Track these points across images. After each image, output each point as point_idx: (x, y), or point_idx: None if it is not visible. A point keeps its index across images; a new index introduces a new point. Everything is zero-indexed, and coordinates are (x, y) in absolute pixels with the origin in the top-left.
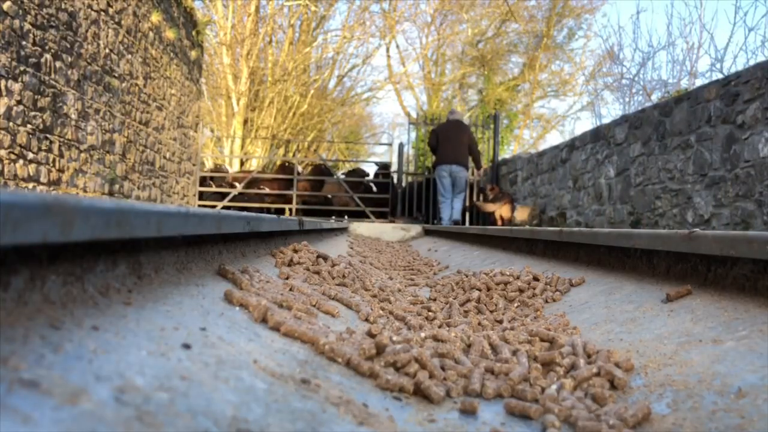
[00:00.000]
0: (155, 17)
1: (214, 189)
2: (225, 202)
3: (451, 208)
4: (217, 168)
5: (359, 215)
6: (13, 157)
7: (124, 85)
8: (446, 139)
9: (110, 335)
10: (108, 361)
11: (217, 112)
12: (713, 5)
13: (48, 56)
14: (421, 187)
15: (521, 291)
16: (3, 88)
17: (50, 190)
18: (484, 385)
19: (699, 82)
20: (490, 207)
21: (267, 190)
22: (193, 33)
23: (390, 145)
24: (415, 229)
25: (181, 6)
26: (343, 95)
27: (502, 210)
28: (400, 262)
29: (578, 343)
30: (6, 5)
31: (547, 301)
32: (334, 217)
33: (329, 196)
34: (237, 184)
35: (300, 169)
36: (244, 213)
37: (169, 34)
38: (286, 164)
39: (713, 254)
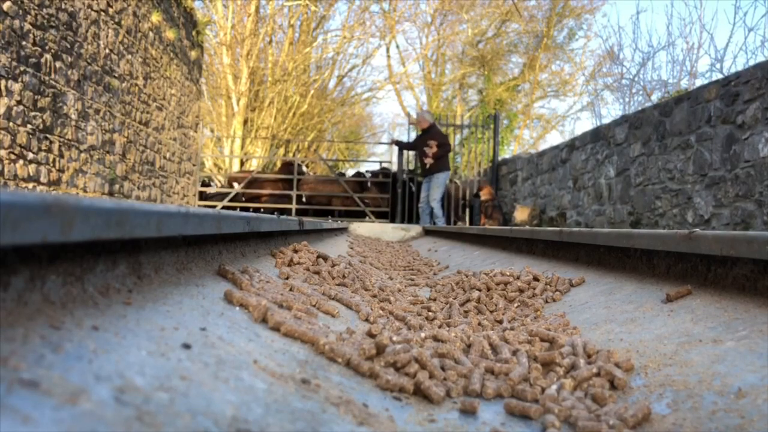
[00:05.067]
0: (155, 17)
1: (214, 189)
2: (225, 203)
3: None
4: (214, 185)
5: (359, 216)
6: (13, 157)
7: (124, 85)
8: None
9: (110, 335)
10: (108, 361)
11: (217, 112)
12: (713, 5)
13: (48, 56)
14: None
15: (521, 291)
16: (3, 88)
17: (50, 190)
18: (484, 385)
19: (699, 82)
20: (482, 221)
21: (269, 191)
22: (193, 33)
23: (390, 144)
24: (415, 229)
25: (181, 6)
26: (343, 95)
27: (490, 225)
28: (400, 262)
29: (578, 343)
30: (6, 5)
31: (547, 301)
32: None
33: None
34: (236, 184)
35: (305, 169)
36: (244, 213)
37: (169, 34)
38: (290, 164)
39: (713, 254)
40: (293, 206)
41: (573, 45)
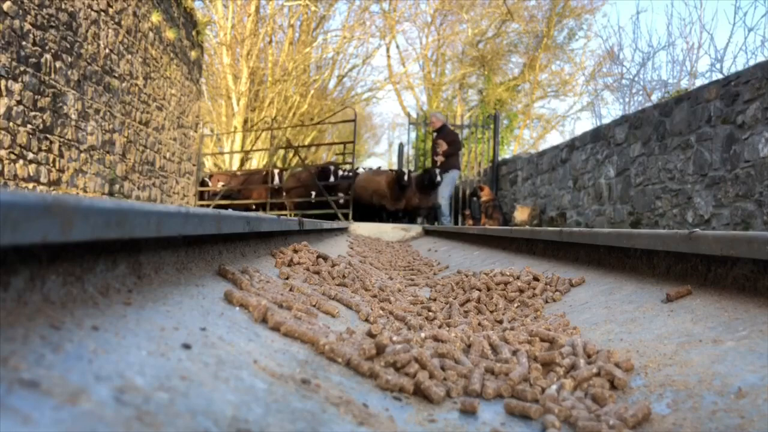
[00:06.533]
0: (155, 17)
1: (214, 189)
2: (217, 201)
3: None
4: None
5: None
6: (13, 157)
7: (124, 85)
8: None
9: (110, 335)
10: (108, 361)
11: (217, 112)
12: (713, 5)
13: (48, 56)
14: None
15: (521, 291)
16: (3, 88)
17: (50, 190)
18: (484, 385)
19: (699, 82)
20: (482, 220)
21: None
22: (193, 33)
23: (354, 120)
24: (415, 229)
25: (181, 6)
26: (343, 95)
27: (489, 224)
28: (400, 262)
29: (578, 344)
30: (6, 5)
31: (547, 301)
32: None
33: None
34: (221, 183)
35: (278, 179)
36: (244, 213)
37: (169, 34)
38: (265, 172)
39: (713, 254)
40: (267, 200)
41: (573, 45)
